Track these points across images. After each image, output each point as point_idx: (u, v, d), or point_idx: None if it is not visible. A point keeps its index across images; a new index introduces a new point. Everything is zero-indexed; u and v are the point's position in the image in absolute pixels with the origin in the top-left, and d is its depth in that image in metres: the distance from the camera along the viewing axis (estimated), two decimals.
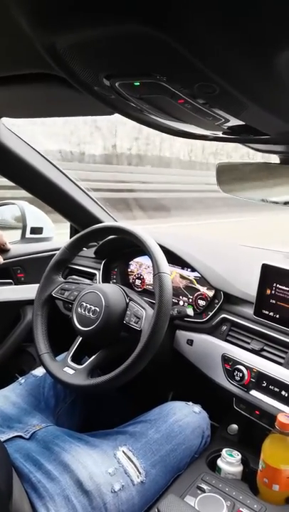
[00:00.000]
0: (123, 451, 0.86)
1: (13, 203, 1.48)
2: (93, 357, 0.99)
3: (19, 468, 0.80)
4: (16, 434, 0.90)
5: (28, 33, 0.40)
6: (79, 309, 1.01)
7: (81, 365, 0.99)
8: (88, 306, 1.00)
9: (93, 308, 0.99)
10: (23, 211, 1.46)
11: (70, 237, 1.56)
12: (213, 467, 0.96)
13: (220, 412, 1.08)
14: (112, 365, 1.00)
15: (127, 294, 1.03)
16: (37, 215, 1.51)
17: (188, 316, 1.08)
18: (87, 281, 1.29)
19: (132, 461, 0.85)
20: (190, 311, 1.07)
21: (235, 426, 1.06)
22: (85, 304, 1.01)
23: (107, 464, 0.83)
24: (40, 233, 1.51)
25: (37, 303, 1.11)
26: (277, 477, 0.82)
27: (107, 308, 0.97)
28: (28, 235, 1.47)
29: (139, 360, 0.89)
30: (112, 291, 1.02)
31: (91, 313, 0.98)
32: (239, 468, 0.93)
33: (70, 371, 0.98)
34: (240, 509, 0.82)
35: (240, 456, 0.94)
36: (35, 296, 1.12)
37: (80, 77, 0.45)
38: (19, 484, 0.76)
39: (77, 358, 1.02)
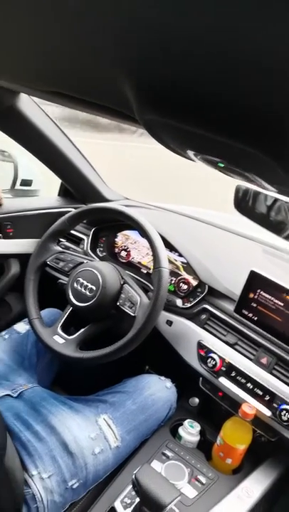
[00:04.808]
0: (104, 419, 0.97)
1: (4, 151, 1.44)
2: (83, 330, 1.05)
3: (10, 426, 0.88)
4: (5, 392, 0.97)
5: (129, 98, 0.38)
6: (75, 284, 1.06)
7: (69, 335, 1.06)
8: (85, 283, 1.04)
9: (90, 286, 1.04)
10: (16, 162, 1.43)
11: (59, 194, 1.56)
12: (174, 433, 1.10)
13: (186, 386, 1.21)
14: (99, 339, 1.08)
15: (121, 276, 1.08)
16: (29, 166, 1.48)
17: (177, 307, 1.16)
18: (80, 250, 1.32)
19: (111, 428, 0.96)
20: (179, 302, 1.16)
21: (196, 399, 1.21)
22: (81, 281, 1.05)
23: (90, 429, 0.94)
24: (30, 185, 1.49)
25: (31, 268, 1.14)
26: (233, 453, 0.98)
27: (103, 289, 1.03)
28: (17, 186, 1.45)
29: (130, 344, 0.97)
30: (109, 271, 1.07)
31: (87, 291, 1.03)
32: (197, 438, 1.08)
33: (59, 340, 1.05)
34: (198, 476, 0.97)
35: (199, 427, 1.09)
36: (30, 261, 1.15)
37: (167, 144, 0.46)
38: (10, 442, 0.84)
39: (66, 328, 1.09)
